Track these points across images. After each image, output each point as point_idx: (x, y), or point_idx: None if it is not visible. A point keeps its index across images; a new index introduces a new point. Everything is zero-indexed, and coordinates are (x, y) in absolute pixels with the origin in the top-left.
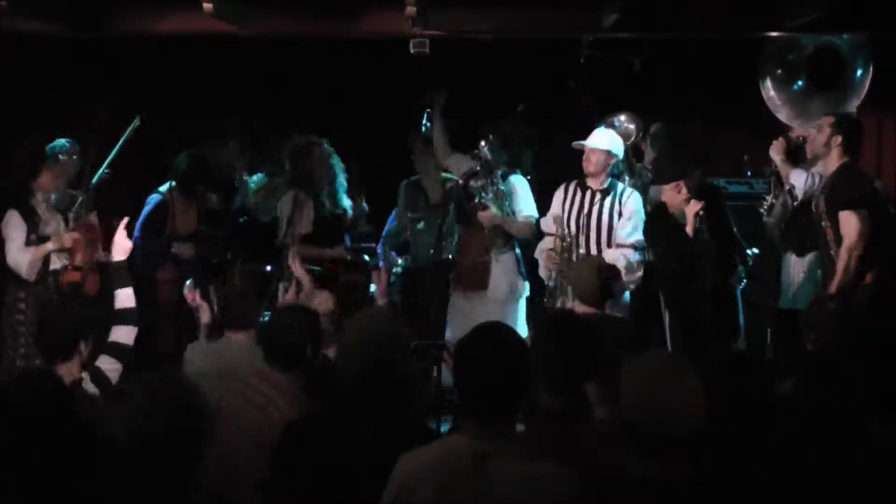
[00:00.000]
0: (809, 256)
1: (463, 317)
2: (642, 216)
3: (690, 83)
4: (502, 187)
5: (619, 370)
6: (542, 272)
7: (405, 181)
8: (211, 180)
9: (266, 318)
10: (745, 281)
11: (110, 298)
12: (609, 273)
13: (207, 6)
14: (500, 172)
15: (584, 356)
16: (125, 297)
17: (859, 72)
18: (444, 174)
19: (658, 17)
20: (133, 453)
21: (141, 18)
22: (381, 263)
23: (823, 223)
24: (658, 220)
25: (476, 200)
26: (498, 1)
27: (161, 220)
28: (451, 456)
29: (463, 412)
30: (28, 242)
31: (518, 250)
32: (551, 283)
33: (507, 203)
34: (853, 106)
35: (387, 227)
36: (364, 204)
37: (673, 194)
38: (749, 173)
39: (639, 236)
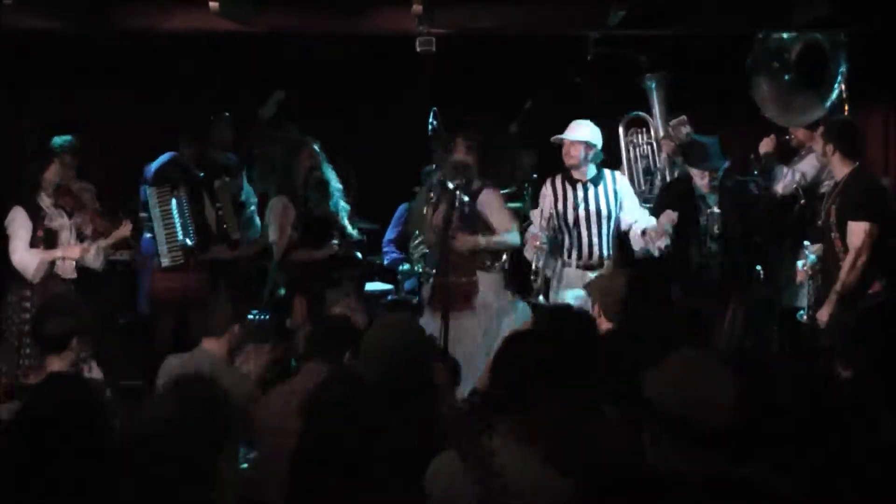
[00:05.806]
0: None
1: (452, 335)
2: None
3: (697, 80)
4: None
5: None
6: (528, 253)
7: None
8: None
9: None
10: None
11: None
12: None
13: (213, 4)
14: (466, 198)
15: None
16: None
17: (841, 69)
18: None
19: (665, 14)
20: (157, 452)
21: (146, 16)
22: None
23: (833, 234)
24: None
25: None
26: None
27: None
28: None
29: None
30: (35, 239)
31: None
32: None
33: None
34: (830, 100)
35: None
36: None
37: None
38: (756, 171)
39: (646, 215)
